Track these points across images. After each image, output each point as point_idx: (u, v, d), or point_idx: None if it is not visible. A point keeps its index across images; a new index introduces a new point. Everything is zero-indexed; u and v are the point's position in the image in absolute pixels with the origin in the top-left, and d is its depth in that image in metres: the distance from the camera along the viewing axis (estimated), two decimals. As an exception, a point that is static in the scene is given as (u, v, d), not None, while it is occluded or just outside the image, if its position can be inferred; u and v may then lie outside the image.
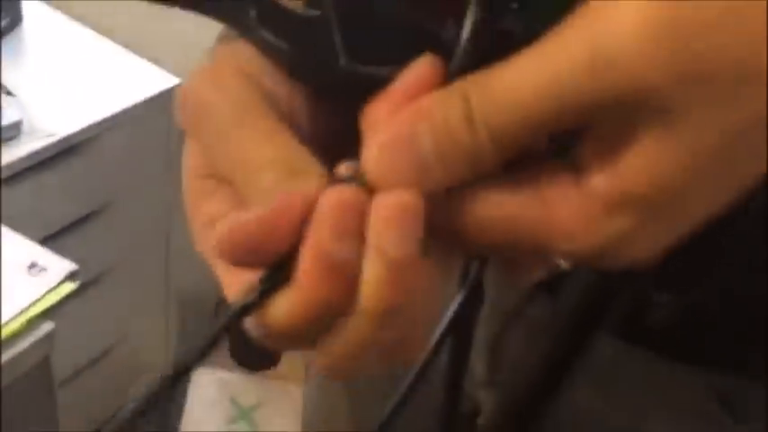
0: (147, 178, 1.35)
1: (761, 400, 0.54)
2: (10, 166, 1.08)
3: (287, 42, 0.30)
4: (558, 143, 0.27)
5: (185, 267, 1.58)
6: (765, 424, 0.55)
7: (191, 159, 0.31)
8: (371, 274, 0.26)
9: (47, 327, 0.82)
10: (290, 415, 1.78)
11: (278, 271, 0.27)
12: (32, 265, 0.84)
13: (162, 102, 1.28)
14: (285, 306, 0.27)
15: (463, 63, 0.27)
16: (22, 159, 1.10)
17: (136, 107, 1.23)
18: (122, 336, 1.52)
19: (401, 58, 0.27)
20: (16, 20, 1.32)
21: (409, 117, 0.26)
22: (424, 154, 0.25)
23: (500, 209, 0.26)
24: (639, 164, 0.24)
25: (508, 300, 0.58)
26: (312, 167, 0.28)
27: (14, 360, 0.79)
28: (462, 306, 0.52)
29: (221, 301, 1.67)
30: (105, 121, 1.18)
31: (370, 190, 0.26)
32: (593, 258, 0.26)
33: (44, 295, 0.81)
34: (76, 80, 1.26)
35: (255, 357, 1.84)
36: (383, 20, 0.31)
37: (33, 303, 0.80)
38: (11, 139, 1.09)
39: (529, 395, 0.55)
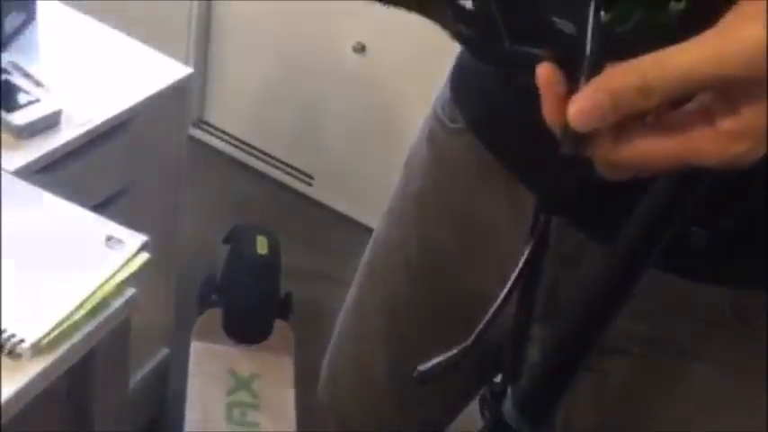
0: (163, 161, 1.44)
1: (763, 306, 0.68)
2: (52, 153, 1.16)
3: (473, 32, 0.45)
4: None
5: (183, 245, 1.68)
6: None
7: None
8: None
9: (130, 291, 0.92)
10: (285, 383, 1.88)
11: None
12: (109, 239, 0.94)
13: (178, 90, 1.36)
14: None
15: (590, 62, 0.42)
16: (59, 147, 1.18)
17: (156, 95, 1.31)
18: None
19: (542, 42, 0.43)
20: (30, 18, 1.39)
21: (594, 88, 0.41)
22: (605, 110, 0.41)
23: (658, 144, 0.42)
24: (752, 113, 0.40)
25: (567, 247, 0.71)
26: None
27: (105, 320, 0.89)
28: (532, 253, 0.66)
29: (207, 279, 1.78)
30: (131, 108, 1.27)
31: None
32: (723, 166, 0.42)
33: (126, 263, 0.91)
34: (92, 72, 1.34)
35: (248, 331, 1.93)
36: (531, 18, 0.45)
37: (118, 270, 0.90)
38: (51, 127, 1.17)
39: (580, 329, 0.66)
